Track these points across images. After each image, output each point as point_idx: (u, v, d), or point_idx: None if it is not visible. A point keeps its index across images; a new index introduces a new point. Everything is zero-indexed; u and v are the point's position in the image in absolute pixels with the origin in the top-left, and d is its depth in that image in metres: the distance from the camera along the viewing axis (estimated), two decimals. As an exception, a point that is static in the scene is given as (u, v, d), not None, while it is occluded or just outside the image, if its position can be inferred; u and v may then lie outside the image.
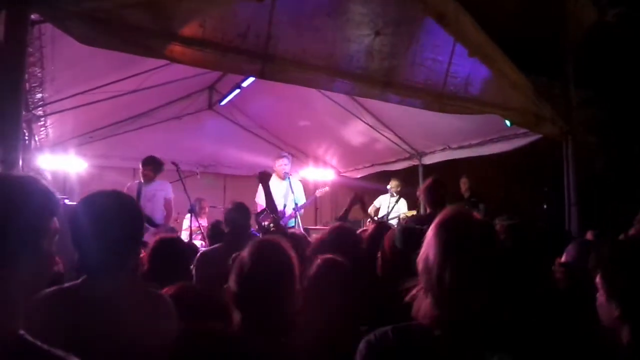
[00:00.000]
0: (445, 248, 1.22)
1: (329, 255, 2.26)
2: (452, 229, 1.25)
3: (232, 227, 3.47)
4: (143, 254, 2.67)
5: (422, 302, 1.24)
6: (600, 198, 6.58)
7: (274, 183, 5.85)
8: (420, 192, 4.07)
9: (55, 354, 0.97)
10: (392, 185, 7.52)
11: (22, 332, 0.98)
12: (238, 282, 1.64)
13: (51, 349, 0.98)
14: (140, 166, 5.90)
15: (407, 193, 7.59)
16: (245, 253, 1.71)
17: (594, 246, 2.75)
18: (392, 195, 7.47)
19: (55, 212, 1.08)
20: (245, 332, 1.58)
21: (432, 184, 3.99)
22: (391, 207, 7.33)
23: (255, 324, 1.58)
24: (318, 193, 6.19)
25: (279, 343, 1.60)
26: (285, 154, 6.21)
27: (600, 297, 1.47)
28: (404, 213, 7.25)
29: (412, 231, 2.69)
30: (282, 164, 5.90)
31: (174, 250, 2.67)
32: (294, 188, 5.87)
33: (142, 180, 5.86)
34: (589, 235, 4.19)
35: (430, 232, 1.28)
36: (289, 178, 5.85)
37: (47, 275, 1.08)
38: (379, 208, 7.71)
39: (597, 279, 1.48)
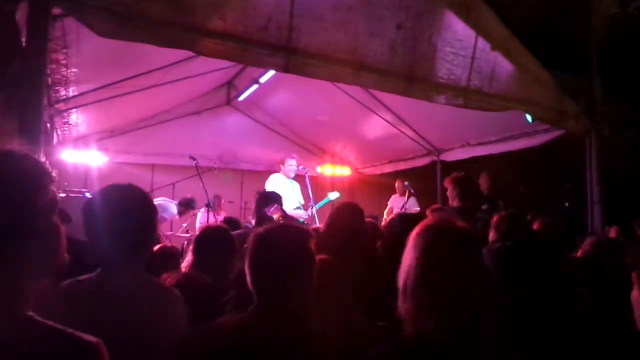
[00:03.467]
0: (422, 254, 1.22)
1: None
2: (432, 235, 1.25)
3: (256, 214, 3.73)
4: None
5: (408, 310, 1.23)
6: (624, 195, 6.41)
7: (283, 182, 5.79)
8: (446, 184, 4.01)
9: (65, 331, 0.96)
10: (398, 185, 7.73)
11: (30, 313, 0.96)
12: (250, 271, 1.57)
13: (61, 327, 0.96)
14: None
15: (422, 190, 7.60)
16: (252, 240, 1.59)
17: (619, 243, 2.67)
18: (401, 195, 7.54)
19: (46, 184, 0.99)
20: (261, 319, 1.55)
21: (460, 178, 3.96)
22: (402, 205, 7.31)
23: (269, 312, 1.55)
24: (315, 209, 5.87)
25: (298, 329, 1.57)
26: (294, 155, 6.11)
27: (636, 292, 1.44)
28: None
29: (409, 217, 2.71)
30: (292, 165, 5.87)
31: (219, 237, 2.67)
32: (295, 187, 5.93)
33: None
34: (613, 232, 4.10)
35: (410, 240, 1.28)
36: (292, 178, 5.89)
37: (58, 250, 1.03)
38: (392, 208, 7.72)
39: (634, 275, 1.44)
